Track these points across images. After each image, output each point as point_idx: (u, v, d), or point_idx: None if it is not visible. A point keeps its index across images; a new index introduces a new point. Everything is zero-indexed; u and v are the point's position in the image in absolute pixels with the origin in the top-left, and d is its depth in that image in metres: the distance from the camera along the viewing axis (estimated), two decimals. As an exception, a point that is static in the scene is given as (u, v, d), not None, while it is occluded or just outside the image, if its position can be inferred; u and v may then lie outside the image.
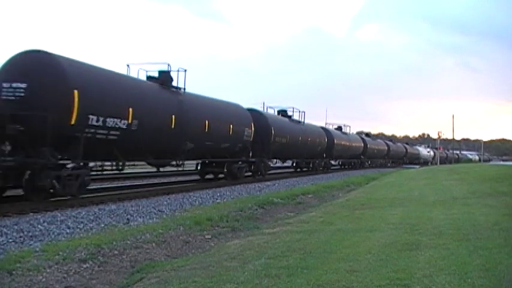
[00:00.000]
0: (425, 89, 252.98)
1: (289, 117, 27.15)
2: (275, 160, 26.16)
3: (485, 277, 4.64)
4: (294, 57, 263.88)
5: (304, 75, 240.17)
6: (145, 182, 19.06)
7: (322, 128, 33.61)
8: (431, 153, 70.99)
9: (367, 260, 5.55)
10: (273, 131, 22.45)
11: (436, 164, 59.02)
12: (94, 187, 15.03)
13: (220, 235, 9.41)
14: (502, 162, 65.04)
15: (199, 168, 19.68)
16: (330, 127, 36.78)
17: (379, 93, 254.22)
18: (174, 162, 16.04)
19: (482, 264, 5.16)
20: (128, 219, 10.12)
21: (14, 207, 10.29)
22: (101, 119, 11.59)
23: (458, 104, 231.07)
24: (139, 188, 16.00)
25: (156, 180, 19.70)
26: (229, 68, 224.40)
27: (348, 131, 40.34)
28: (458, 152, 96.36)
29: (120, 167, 13.45)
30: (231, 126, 18.37)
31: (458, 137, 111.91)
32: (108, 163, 13.10)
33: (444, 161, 70.55)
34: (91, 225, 9.24)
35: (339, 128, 38.50)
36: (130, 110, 12.56)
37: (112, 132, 12.08)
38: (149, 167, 18.57)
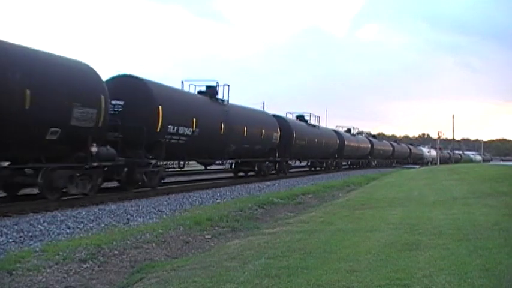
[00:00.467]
0: (425, 89, 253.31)
1: (306, 121, 30.16)
2: (294, 160, 28.84)
3: (485, 277, 4.64)
4: (294, 57, 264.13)
5: (304, 75, 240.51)
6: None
7: (334, 130, 36.88)
8: (435, 153, 71.43)
9: (367, 260, 5.55)
10: (294, 135, 25.31)
11: (436, 164, 59.23)
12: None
13: (220, 235, 9.41)
14: (502, 162, 65.10)
15: (233, 166, 22.51)
16: (340, 129, 39.58)
17: (379, 93, 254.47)
18: (219, 161, 19.91)
19: (482, 264, 5.16)
20: (127, 219, 10.12)
21: (14, 207, 10.29)
22: (175, 127, 14.87)
23: (458, 104, 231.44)
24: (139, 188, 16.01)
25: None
26: (229, 68, 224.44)
27: (355, 131, 43.66)
28: (461, 152, 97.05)
29: (182, 165, 16.99)
30: (263, 131, 21.59)
31: (458, 137, 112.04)
32: (170, 162, 15.87)
33: (447, 161, 70.97)
34: (91, 225, 9.24)
35: (348, 131, 41.88)
36: (194, 120, 15.84)
37: (182, 137, 15.34)
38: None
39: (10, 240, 7.55)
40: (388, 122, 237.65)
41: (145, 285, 5.52)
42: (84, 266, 6.58)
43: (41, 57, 10.60)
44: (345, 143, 36.37)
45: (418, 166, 56.54)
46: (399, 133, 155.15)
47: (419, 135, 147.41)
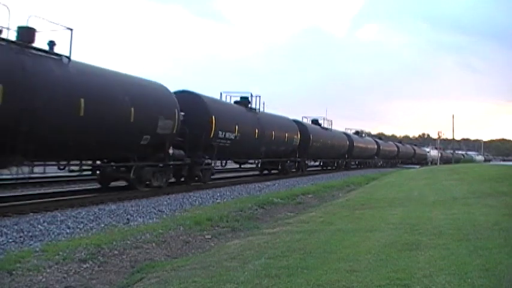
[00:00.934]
0: (425, 89, 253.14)
1: (320, 125, 33.45)
2: (310, 160, 32.19)
3: (485, 277, 4.64)
4: (294, 57, 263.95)
5: (304, 75, 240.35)
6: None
7: (344, 133, 40.14)
8: (438, 153, 72.79)
9: (367, 260, 5.55)
10: (311, 137, 28.82)
11: (437, 164, 59.46)
12: (94, 187, 15.05)
13: (220, 235, 9.41)
14: (502, 162, 65.24)
15: (259, 165, 25.77)
16: (349, 131, 43.29)
17: (379, 93, 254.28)
18: (251, 161, 24.32)
19: (482, 264, 5.16)
20: (128, 219, 10.12)
21: (14, 207, 10.30)
22: (224, 133, 18.21)
23: (458, 104, 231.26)
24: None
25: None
26: (229, 68, 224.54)
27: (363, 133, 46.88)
28: (464, 152, 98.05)
29: (224, 164, 20.72)
30: (286, 134, 25.10)
31: (458, 137, 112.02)
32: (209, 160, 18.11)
33: (450, 161, 71.61)
34: (91, 225, 9.24)
35: (357, 133, 45.32)
36: (236, 126, 19.17)
37: (227, 141, 18.61)
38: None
39: (10, 240, 7.55)
40: (388, 122, 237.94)
41: (145, 285, 5.52)
42: (84, 266, 6.58)
43: (139, 82, 14.25)
44: (354, 144, 39.35)
45: (418, 166, 56.82)
46: (399, 133, 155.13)
47: (419, 135, 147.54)
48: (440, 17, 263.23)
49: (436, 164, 60.55)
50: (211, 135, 17.33)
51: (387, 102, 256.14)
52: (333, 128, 36.12)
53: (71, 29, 11.71)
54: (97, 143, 12.16)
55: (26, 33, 10.46)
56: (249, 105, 21.82)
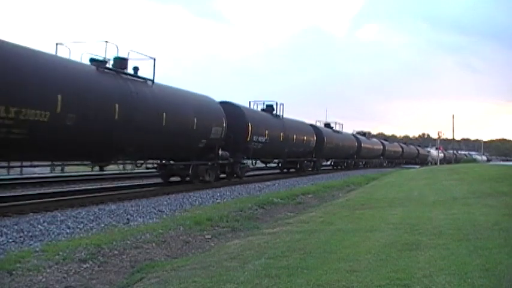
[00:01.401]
0: (425, 89, 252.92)
1: (331, 128, 37.08)
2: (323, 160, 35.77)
3: (485, 277, 4.64)
4: (294, 57, 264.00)
5: (304, 75, 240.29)
6: (145, 182, 19.08)
7: (353, 135, 43.88)
8: (441, 154, 73.66)
9: (367, 260, 5.55)
10: (325, 140, 32.10)
11: (437, 164, 59.59)
12: (94, 187, 15.05)
13: (220, 235, 9.41)
14: (502, 162, 65.34)
15: (281, 165, 28.88)
16: (354, 132, 46.78)
17: (379, 93, 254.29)
18: (276, 160, 27.72)
19: (482, 264, 5.16)
20: (128, 219, 10.12)
21: (14, 207, 10.30)
22: (257, 137, 21.32)
23: (458, 104, 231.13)
24: (139, 188, 16.07)
25: (156, 180, 19.72)
26: (229, 68, 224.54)
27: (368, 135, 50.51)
28: (467, 153, 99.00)
29: (254, 163, 24.19)
30: (305, 137, 28.37)
31: (458, 137, 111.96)
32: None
33: (453, 161, 72.21)
34: (91, 225, 9.24)
35: (364, 134, 48.57)
36: (266, 131, 22.39)
37: (260, 144, 21.73)
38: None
39: (10, 240, 7.55)
40: (388, 121, 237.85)
41: (145, 285, 5.52)
42: (84, 266, 6.58)
43: (198, 98, 17.75)
44: (362, 145, 42.82)
45: (418, 166, 57.09)
46: (399, 133, 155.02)
47: (419, 135, 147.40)
48: (440, 17, 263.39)
49: (436, 163, 60.63)
50: (248, 139, 20.54)
51: (387, 102, 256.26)
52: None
53: (154, 58, 14.74)
54: (171, 146, 15.47)
55: (120, 63, 13.48)
56: (274, 112, 25.10)
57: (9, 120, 9.17)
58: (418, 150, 69.49)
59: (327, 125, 37.34)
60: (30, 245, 7.34)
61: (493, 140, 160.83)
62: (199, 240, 8.95)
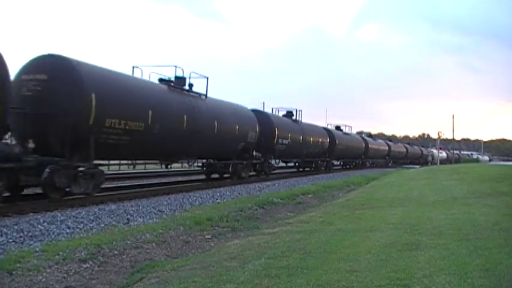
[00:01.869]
0: (425, 89, 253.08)
1: (341, 130, 39.91)
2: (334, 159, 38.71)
3: (485, 277, 4.64)
4: (294, 57, 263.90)
5: (304, 75, 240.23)
6: (145, 182, 19.09)
7: (361, 136, 47.14)
8: (444, 154, 75.14)
9: (367, 260, 5.55)
10: (336, 141, 35.18)
11: (437, 164, 59.65)
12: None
13: (220, 235, 9.41)
14: (502, 162, 65.46)
15: (298, 164, 31.64)
16: (361, 133, 51.09)
17: (379, 93, 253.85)
18: (295, 160, 29.84)
19: (482, 264, 5.16)
20: (128, 219, 10.12)
21: (14, 207, 10.29)
22: (282, 140, 24.48)
23: (458, 104, 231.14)
24: (139, 188, 16.08)
25: (156, 180, 19.74)
26: (229, 68, 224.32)
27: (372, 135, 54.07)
28: (469, 153, 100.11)
29: (278, 162, 26.89)
30: (319, 139, 31.69)
31: (458, 137, 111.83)
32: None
33: (456, 161, 72.64)
34: (91, 225, 9.24)
35: (370, 136, 52.48)
36: (289, 134, 25.64)
37: (283, 146, 24.87)
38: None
39: (10, 240, 7.55)
40: (387, 121, 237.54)
41: (145, 285, 5.52)
42: (84, 266, 6.58)
43: (237, 107, 20.96)
44: (369, 146, 45.71)
45: (418, 166, 57.29)
46: (399, 133, 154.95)
47: (419, 135, 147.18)
48: (441, 17, 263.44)
49: (436, 163, 60.75)
50: (275, 141, 23.71)
51: (387, 102, 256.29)
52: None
53: (207, 77, 17.87)
54: (219, 148, 18.63)
55: (180, 81, 16.50)
56: (293, 117, 28.23)
57: (120, 130, 12.45)
58: (421, 151, 72.04)
59: (337, 128, 39.96)
60: (30, 245, 7.34)
61: (493, 140, 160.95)
62: (199, 240, 8.95)
